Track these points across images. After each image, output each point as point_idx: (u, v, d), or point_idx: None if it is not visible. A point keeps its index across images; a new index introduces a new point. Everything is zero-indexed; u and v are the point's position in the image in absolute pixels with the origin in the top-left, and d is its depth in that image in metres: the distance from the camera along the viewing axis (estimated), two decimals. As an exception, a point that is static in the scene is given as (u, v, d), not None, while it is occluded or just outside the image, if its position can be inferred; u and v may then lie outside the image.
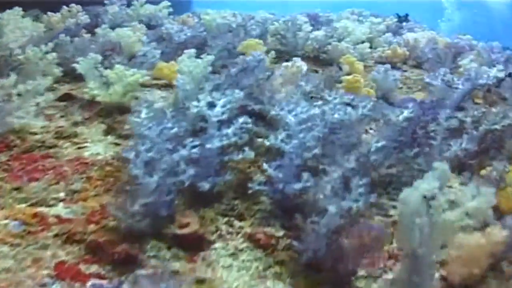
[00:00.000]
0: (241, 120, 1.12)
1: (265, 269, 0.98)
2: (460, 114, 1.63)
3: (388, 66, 1.92)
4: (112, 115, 1.55)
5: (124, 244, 0.93)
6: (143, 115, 1.06)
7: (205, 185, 1.08)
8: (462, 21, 7.34)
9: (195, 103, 1.15)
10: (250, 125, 1.12)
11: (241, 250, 1.02)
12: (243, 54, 2.39)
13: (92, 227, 0.99)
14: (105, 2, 3.15)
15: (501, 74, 2.00)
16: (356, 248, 0.91)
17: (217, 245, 1.02)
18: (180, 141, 1.04)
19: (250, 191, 1.12)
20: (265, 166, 1.11)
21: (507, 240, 0.96)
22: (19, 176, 1.17)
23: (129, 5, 3.28)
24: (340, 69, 2.25)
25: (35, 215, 1.01)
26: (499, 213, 1.11)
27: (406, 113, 1.34)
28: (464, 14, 7.52)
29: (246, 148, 1.12)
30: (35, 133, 1.40)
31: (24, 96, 1.41)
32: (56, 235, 0.97)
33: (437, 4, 7.66)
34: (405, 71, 2.57)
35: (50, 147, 1.34)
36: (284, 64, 1.59)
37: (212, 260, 0.97)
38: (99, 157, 1.31)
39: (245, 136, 1.12)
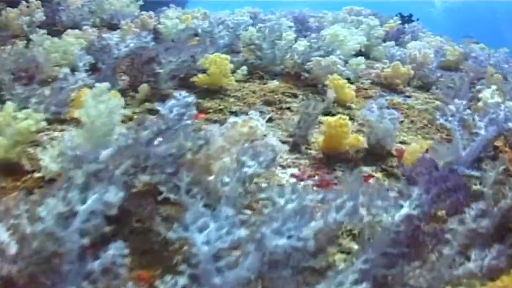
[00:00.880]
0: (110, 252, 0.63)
1: None
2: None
3: (385, 102, 1.41)
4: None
5: None
6: None
7: None
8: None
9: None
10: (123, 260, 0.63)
11: None
12: (204, 71, 1.89)
13: None
14: None
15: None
16: None
17: None
18: None
19: None
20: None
21: None
22: None
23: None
24: (323, 97, 1.76)
25: None
26: None
27: (406, 207, 0.85)
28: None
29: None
30: None
31: None
32: None
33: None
34: (409, 96, 2.04)
35: None
36: (232, 120, 1.02)
37: None
38: None
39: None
